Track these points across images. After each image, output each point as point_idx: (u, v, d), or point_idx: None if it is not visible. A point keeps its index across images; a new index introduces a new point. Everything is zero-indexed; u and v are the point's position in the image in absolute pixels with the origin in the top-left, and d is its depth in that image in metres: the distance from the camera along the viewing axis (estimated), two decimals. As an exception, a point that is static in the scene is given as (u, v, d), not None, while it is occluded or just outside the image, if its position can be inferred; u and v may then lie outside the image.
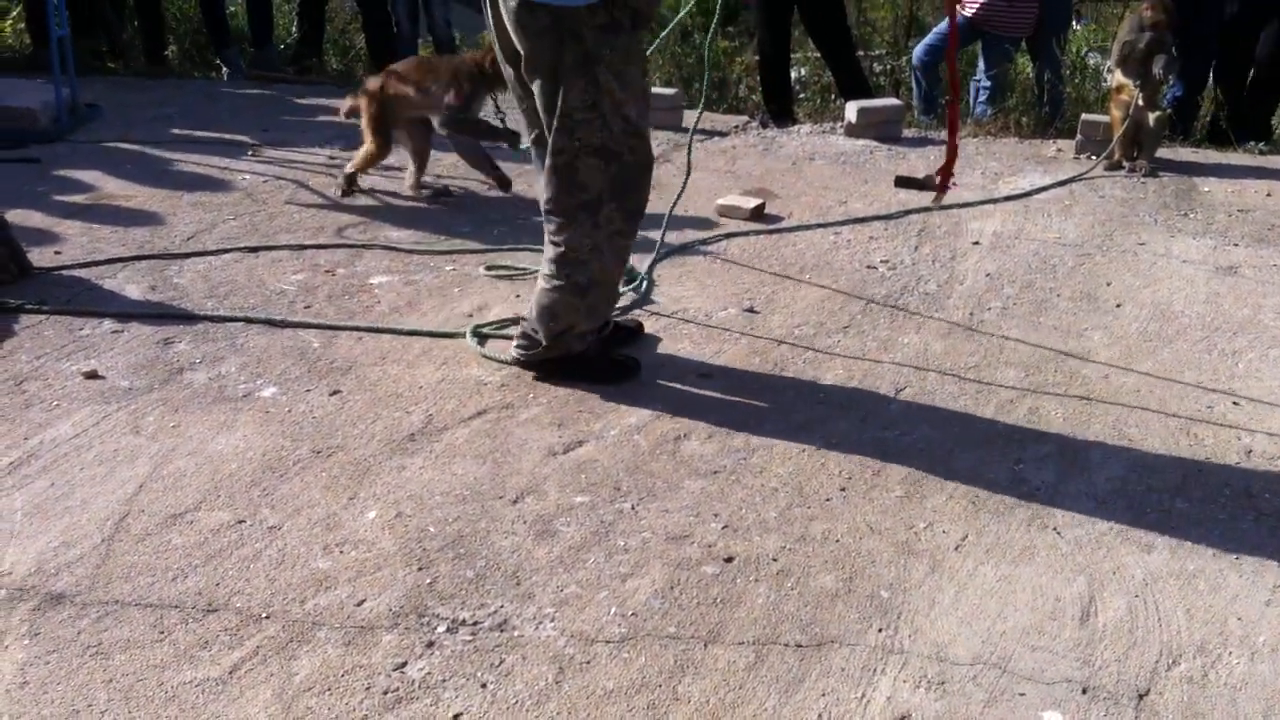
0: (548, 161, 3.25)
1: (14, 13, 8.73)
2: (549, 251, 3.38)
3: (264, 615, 2.46)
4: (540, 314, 3.43)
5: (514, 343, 3.59)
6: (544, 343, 3.47)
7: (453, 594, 2.55)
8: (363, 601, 2.51)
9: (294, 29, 8.79)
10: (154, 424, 3.24)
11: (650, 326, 3.96)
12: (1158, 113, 6.01)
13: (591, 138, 3.18)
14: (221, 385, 3.49)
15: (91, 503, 2.85)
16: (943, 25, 7.36)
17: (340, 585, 2.56)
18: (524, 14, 3.11)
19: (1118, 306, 4.26)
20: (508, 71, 3.40)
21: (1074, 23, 8.90)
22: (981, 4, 7.00)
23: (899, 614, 2.53)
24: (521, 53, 3.20)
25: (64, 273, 4.28)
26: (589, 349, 3.54)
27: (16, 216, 4.64)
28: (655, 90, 7.12)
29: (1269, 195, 5.71)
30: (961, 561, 2.72)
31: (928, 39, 7.40)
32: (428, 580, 2.59)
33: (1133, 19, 6.17)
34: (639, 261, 4.40)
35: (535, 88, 3.21)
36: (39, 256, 4.37)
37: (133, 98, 7.13)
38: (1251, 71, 6.80)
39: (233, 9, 8.96)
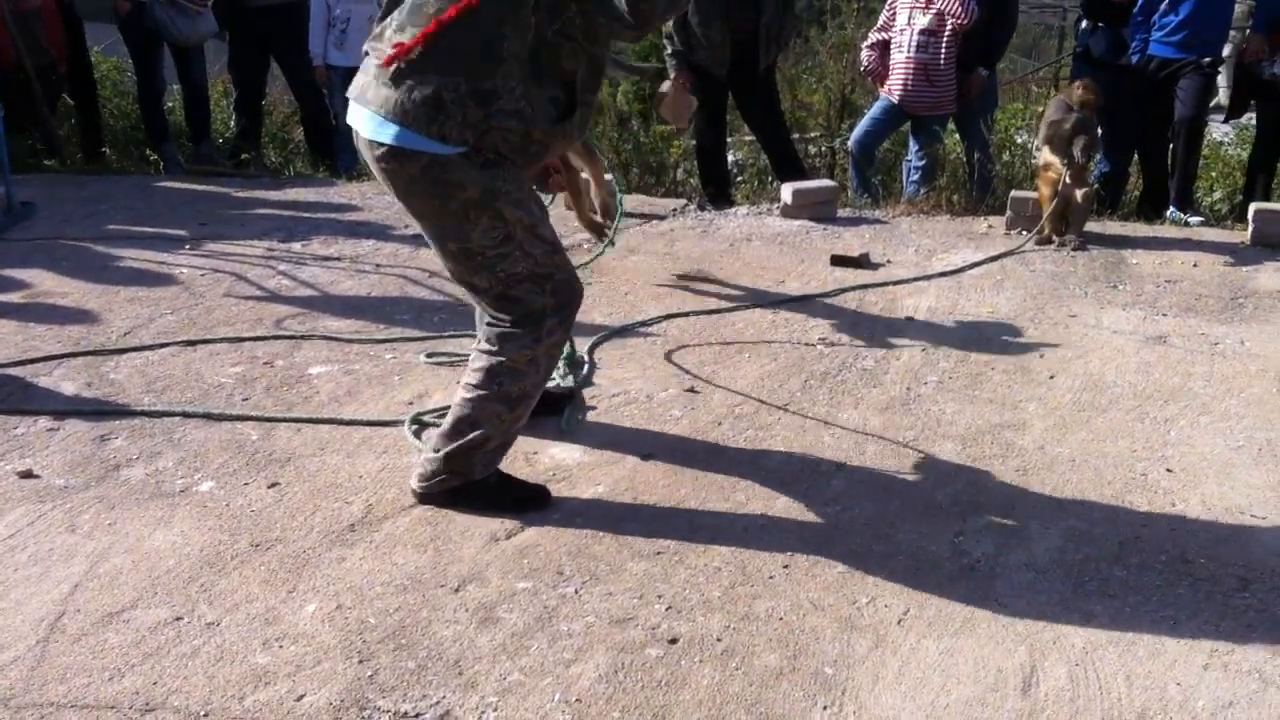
0: (479, 300, 3.17)
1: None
2: (480, 362, 3.17)
3: (203, 713, 2.42)
4: (455, 425, 3.20)
5: (415, 473, 3.32)
6: (446, 465, 3.23)
7: (394, 686, 2.52)
8: (303, 696, 2.48)
9: (232, 123, 8.83)
10: (90, 522, 3.20)
11: (591, 410, 3.97)
12: (1085, 189, 6.16)
13: (515, 268, 3.04)
14: (159, 481, 3.45)
15: (26, 603, 2.80)
16: (875, 110, 7.52)
17: (280, 680, 2.53)
18: (392, 162, 2.95)
19: (1051, 378, 4.33)
20: None
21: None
22: (906, 88, 7.16)
23: (843, 690, 2.53)
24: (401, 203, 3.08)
25: (-4, 371, 4.23)
26: (492, 477, 3.29)
27: (-51, 316, 4.61)
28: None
29: (1195, 265, 5.84)
30: (904, 635, 2.73)
31: (863, 125, 7.54)
32: (369, 672, 2.56)
33: (1058, 100, 6.35)
34: (581, 344, 4.43)
35: (425, 234, 3.10)
36: (-28, 356, 4.33)
37: (69, 194, 7.12)
38: (1171, 141, 7.02)
39: (170, 104, 8.99)
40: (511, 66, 2.87)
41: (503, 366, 3.14)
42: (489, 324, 3.18)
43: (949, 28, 6.94)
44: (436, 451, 3.25)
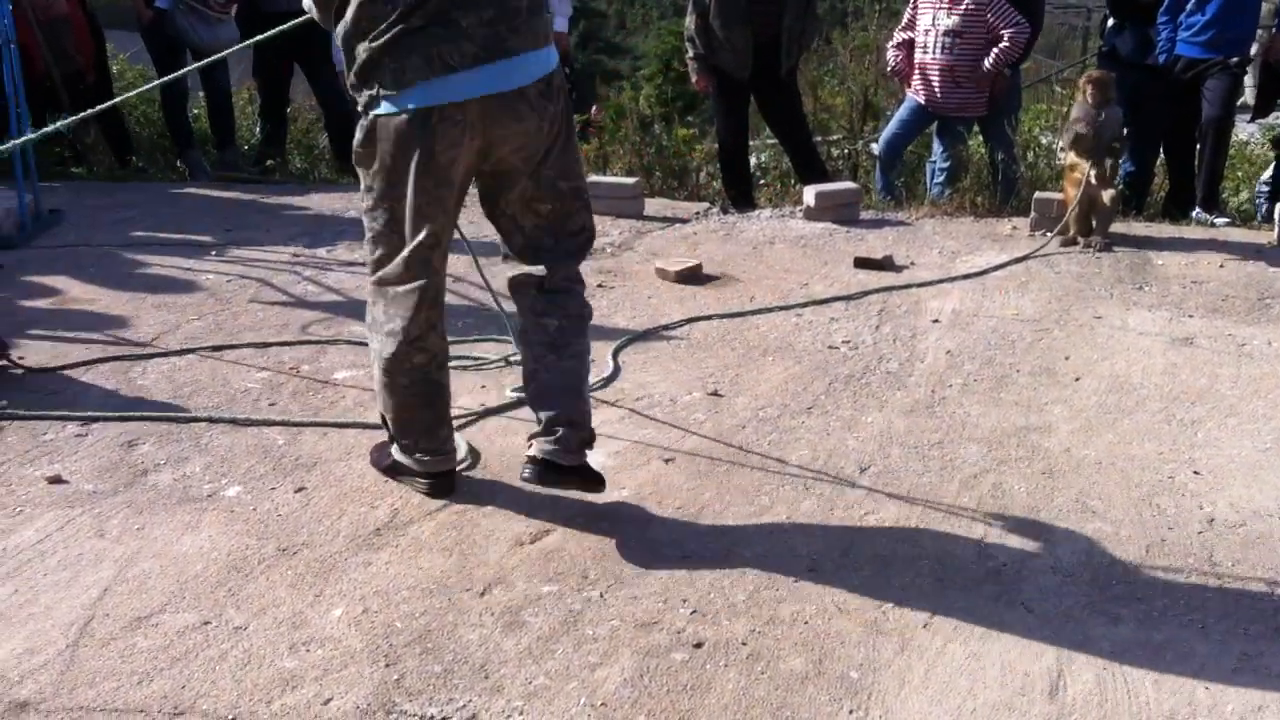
0: (573, 245, 3.24)
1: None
2: (573, 307, 3.23)
3: (230, 717, 2.43)
4: (581, 385, 3.23)
5: (562, 449, 3.15)
6: (588, 431, 3.24)
7: (421, 689, 2.53)
8: (330, 700, 2.49)
9: (256, 130, 8.87)
10: (118, 527, 3.22)
11: (615, 413, 3.98)
12: (1110, 190, 6.13)
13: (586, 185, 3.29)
14: (186, 486, 3.47)
15: (55, 608, 2.82)
16: (902, 112, 7.50)
17: (307, 684, 2.54)
18: (546, 89, 3.01)
19: (1077, 380, 4.31)
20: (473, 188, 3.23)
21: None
22: (932, 90, 7.14)
23: (869, 694, 2.53)
24: (547, 141, 3.06)
25: (28, 377, 4.26)
26: None
27: (-21, 322, 4.64)
28: (616, 180, 7.23)
29: (1222, 267, 5.81)
30: (930, 639, 2.73)
31: (891, 127, 7.53)
32: (395, 676, 2.57)
33: (1080, 102, 6.31)
34: (604, 348, 4.43)
35: (560, 168, 3.12)
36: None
37: (96, 202, 7.17)
38: (1198, 141, 6.98)
39: (196, 111, 9.04)
40: None
41: (586, 303, 3.30)
42: (570, 269, 3.23)
43: (980, 32, 6.90)
44: (585, 416, 3.21)
